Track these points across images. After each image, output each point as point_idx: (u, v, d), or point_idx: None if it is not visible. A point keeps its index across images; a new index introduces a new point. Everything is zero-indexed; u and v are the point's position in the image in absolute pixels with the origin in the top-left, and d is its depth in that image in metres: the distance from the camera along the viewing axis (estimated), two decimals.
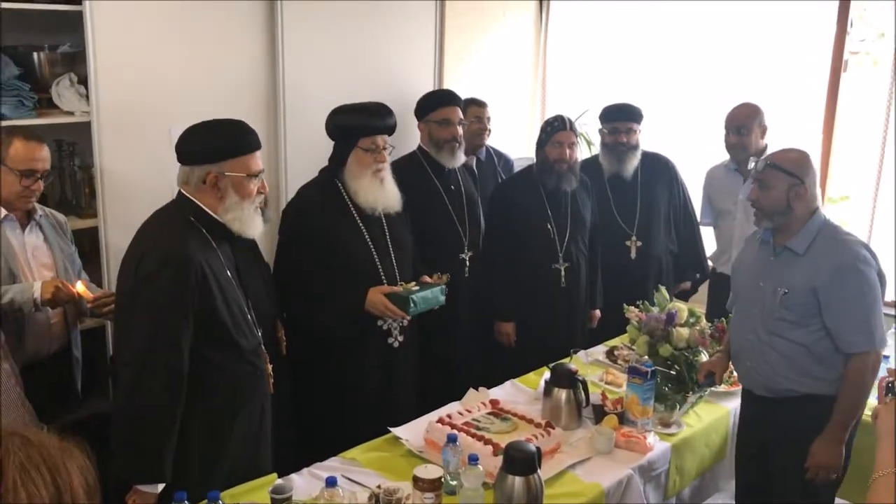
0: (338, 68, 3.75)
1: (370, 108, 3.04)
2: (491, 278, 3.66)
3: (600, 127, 4.01)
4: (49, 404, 2.57)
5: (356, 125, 3.00)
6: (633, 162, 3.93)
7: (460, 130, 3.58)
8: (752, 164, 2.77)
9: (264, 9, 3.48)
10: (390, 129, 3.05)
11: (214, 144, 2.33)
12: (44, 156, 2.67)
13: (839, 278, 2.51)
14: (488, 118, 4.19)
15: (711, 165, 4.08)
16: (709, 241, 4.19)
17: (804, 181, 2.56)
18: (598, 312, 3.89)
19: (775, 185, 2.57)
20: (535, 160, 3.79)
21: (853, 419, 2.58)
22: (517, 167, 4.34)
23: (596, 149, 5.15)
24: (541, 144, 3.68)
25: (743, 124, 3.78)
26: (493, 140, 5.05)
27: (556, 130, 3.62)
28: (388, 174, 3.03)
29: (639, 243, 3.95)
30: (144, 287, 2.19)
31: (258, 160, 2.39)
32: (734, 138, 3.80)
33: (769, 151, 3.76)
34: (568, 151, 3.61)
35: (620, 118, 3.91)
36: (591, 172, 3.97)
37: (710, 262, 4.14)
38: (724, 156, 3.97)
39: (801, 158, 2.61)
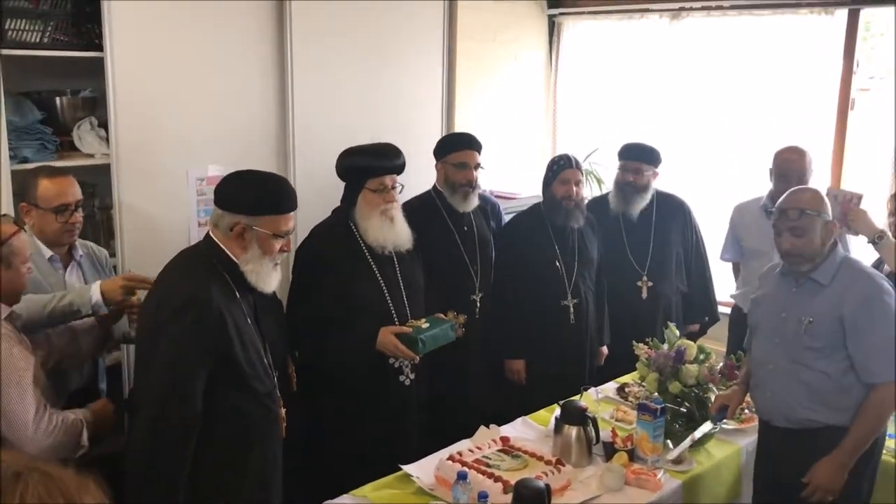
0: (347, 108, 3.83)
1: (377, 150, 3.09)
2: (500, 316, 3.69)
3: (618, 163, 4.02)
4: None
5: (363, 167, 3.05)
6: (639, 203, 3.92)
7: (476, 175, 3.63)
8: (765, 210, 2.69)
9: (275, 53, 3.58)
10: (398, 169, 3.09)
11: (251, 197, 2.34)
12: (73, 188, 2.73)
13: (865, 308, 2.55)
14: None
15: (739, 202, 4.01)
16: (727, 276, 4.18)
17: (830, 216, 2.63)
18: (605, 349, 3.91)
19: (812, 230, 2.60)
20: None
21: (863, 447, 2.58)
22: (527, 204, 4.36)
23: (606, 187, 5.22)
24: (547, 183, 3.73)
25: (803, 176, 3.61)
26: (504, 180, 5.12)
27: (561, 168, 3.68)
28: (398, 213, 3.08)
29: (650, 283, 3.95)
30: (164, 330, 2.22)
31: (289, 221, 2.40)
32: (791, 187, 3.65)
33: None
34: (574, 189, 3.67)
35: (630, 157, 3.92)
36: (603, 211, 4.00)
37: (733, 300, 4.09)
38: (734, 189, 3.97)
39: (819, 195, 2.67)
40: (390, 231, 3.05)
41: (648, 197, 3.93)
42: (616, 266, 3.93)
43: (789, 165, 3.68)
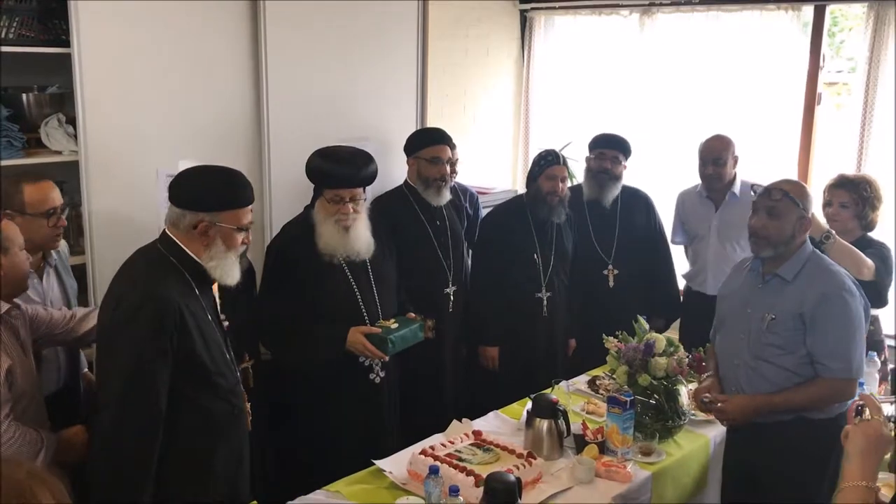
0: (321, 104, 3.81)
1: (343, 158, 3.01)
2: (477, 303, 3.72)
3: (587, 154, 4.08)
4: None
5: (323, 174, 3.01)
6: (613, 192, 4.00)
7: (448, 169, 3.64)
8: (753, 193, 2.79)
9: (248, 48, 3.55)
10: (363, 181, 3.04)
11: (211, 194, 2.33)
12: (56, 192, 2.72)
13: (824, 305, 2.58)
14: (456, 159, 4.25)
15: (682, 189, 4.24)
16: (680, 259, 4.31)
17: (808, 213, 2.65)
18: (573, 342, 3.95)
19: (787, 216, 2.62)
20: (519, 192, 3.88)
21: (785, 410, 2.63)
22: (502, 199, 4.38)
23: (578, 181, 5.27)
24: (533, 177, 3.76)
25: (720, 156, 3.92)
26: (478, 173, 5.15)
27: (549, 164, 3.71)
28: (357, 223, 3.02)
29: (615, 272, 4.01)
30: (123, 329, 2.21)
31: (249, 214, 2.41)
32: (712, 169, 3.93)
33: (738, 180, 3.91)
34: (560, 185, 3.71)
35: (607, 146, 3.99)
36: (572, 200, 4.03)
37: (684, 280, 4.24)
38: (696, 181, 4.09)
39: (805, 190, 2.70)
40: (341, 240, 3.00)
41: (620, 187, 4.01)
42: (582, 255, 3.97)
43: (708, 147, 3.95)
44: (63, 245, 2.97)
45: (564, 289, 3.84)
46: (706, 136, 4.04)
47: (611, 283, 4.01)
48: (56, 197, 2.70)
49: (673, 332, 4.03)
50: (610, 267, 4.01)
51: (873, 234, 3.50)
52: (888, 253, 3.41)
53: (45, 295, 2.74)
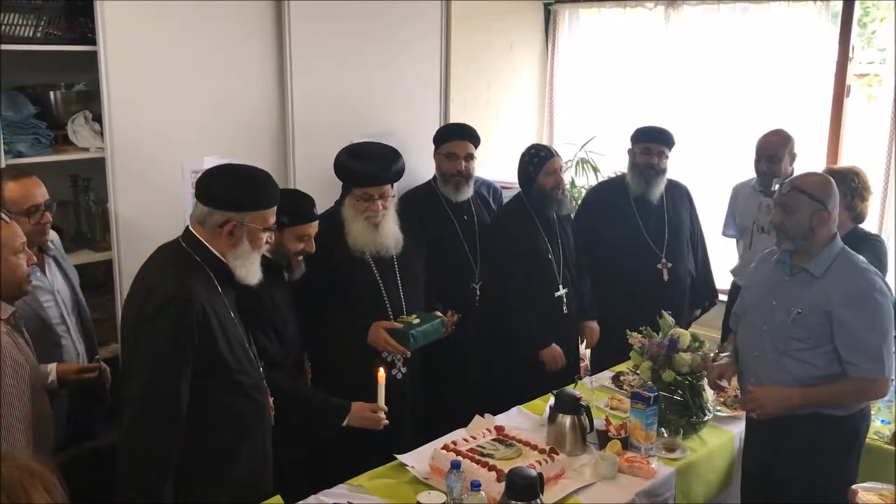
0: (345, 99, 3.83)
1: (371, 156, 3.03)
2: (517, 313, 3.61)
3: (630, 147, 3.98)
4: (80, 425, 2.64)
5: (352, 173, 3.03)
6: (660, 187, 3.94)
7: (465, 165, 3.61)
8: (775, 187, 2.77)
9: (274, 46, 3.57)
10: (390, 178, 3.05)
11: (240, 194, 2.34)
12: (40, 189, 2.68)
13: (855, 305, 2.54)
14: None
15: (738, 182, 4.17)
16: (731, 253, 4.27)
17: (827, 206, 2.60)
18: (595, 325, 3.89)
19: (798, 209, 2.59)
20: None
21: (819, 406, 2.60)
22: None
23: (602, 175, 5.24)
24: (531, 176, 3.67)
25: (775, 153, 3.84)
26: (502, 168, 5.13)
27: (544, 160, 3.66)
28: (385, 219, 3.04)
29: (669, 265, 3.95)
30: (145, 329, 2.21)
31: (274, 214, 2.42)
32: (766, 166, 3.86)
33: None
34: (560, 177, 3.69)
35: (654, 140, 3.90)
36: (616, 193, 4.00)
37: (731, 275, 4.18)
38: (728, 175, 4.05)
39: (824, 183, 2.65)
40: (371, 237, 3.02)
41: (665, 180, 3.95)
42: (634, 250, 3.91)
43: (765, 142, 3.89)
44: (55, 237, 2.93)
45: (573, 281, 3.80)
46: (732, 129, 4.01)
47: (665, 278, 3.94)
48: (39, 194, 2.67)
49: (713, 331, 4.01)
50: (664, 261, 3.94)
51: (864, 225, 3.47)
52: (882, 247, 3.37)
53: (52, 286, 2.76)
